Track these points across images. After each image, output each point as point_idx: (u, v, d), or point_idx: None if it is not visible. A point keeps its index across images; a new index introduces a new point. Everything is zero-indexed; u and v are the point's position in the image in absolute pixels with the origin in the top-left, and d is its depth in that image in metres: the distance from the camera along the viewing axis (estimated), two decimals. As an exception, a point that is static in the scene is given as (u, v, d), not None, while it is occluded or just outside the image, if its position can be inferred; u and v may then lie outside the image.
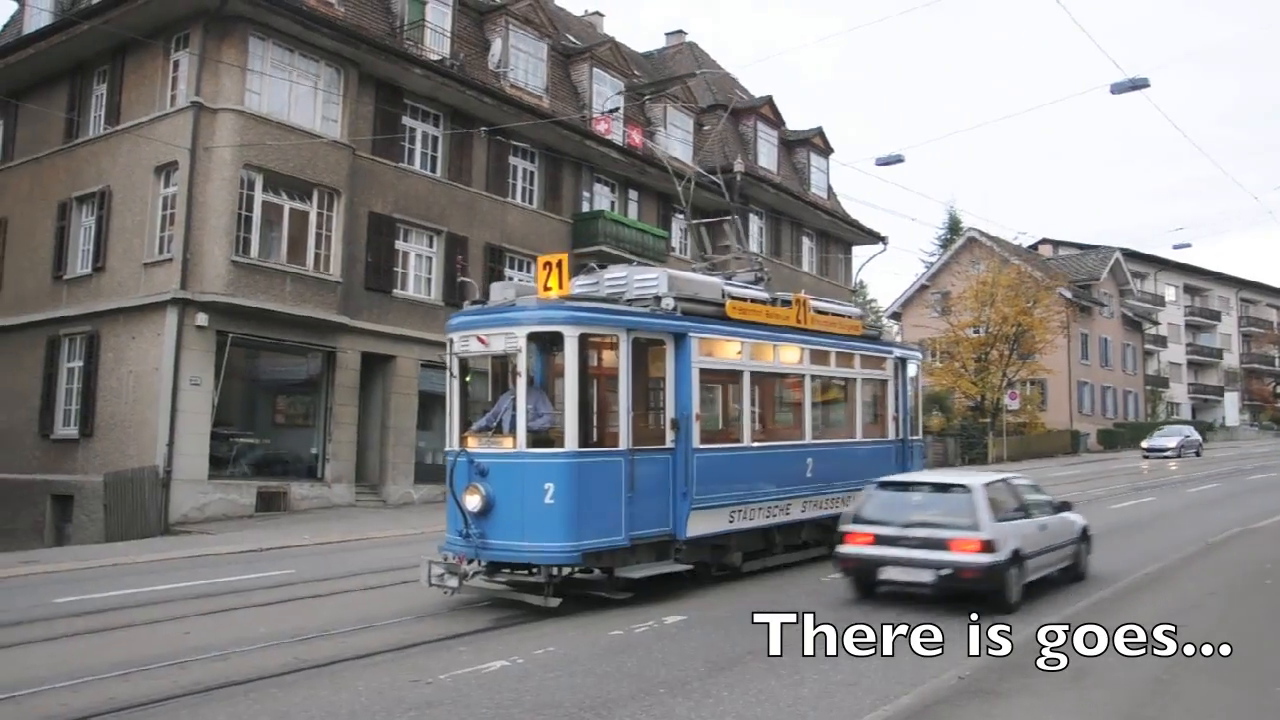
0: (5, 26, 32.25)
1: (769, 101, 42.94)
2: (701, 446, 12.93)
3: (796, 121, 47.10)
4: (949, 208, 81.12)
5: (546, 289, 12.36)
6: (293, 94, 25.12)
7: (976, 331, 55.70)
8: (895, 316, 74.26)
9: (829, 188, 46.95)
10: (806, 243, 45.84)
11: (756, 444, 14.40)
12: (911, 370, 18.28)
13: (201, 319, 23.11)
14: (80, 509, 24.39)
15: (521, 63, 32.05)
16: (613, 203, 35.78)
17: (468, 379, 12.62)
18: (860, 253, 50.07)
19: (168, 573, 15.76)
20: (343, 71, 26.15)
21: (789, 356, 15.16)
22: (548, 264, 12.54)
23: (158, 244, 24.25)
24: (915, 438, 18.34)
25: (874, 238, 48.56)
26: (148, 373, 23.53)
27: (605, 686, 8.51)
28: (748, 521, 13.85)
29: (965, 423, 54.61)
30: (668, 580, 12.70)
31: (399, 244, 28.30)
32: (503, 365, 12.64)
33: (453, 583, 11.53)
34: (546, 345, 13.00)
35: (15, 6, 31.50)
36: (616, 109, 34.98)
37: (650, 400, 13.50)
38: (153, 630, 11.35)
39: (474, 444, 11.91)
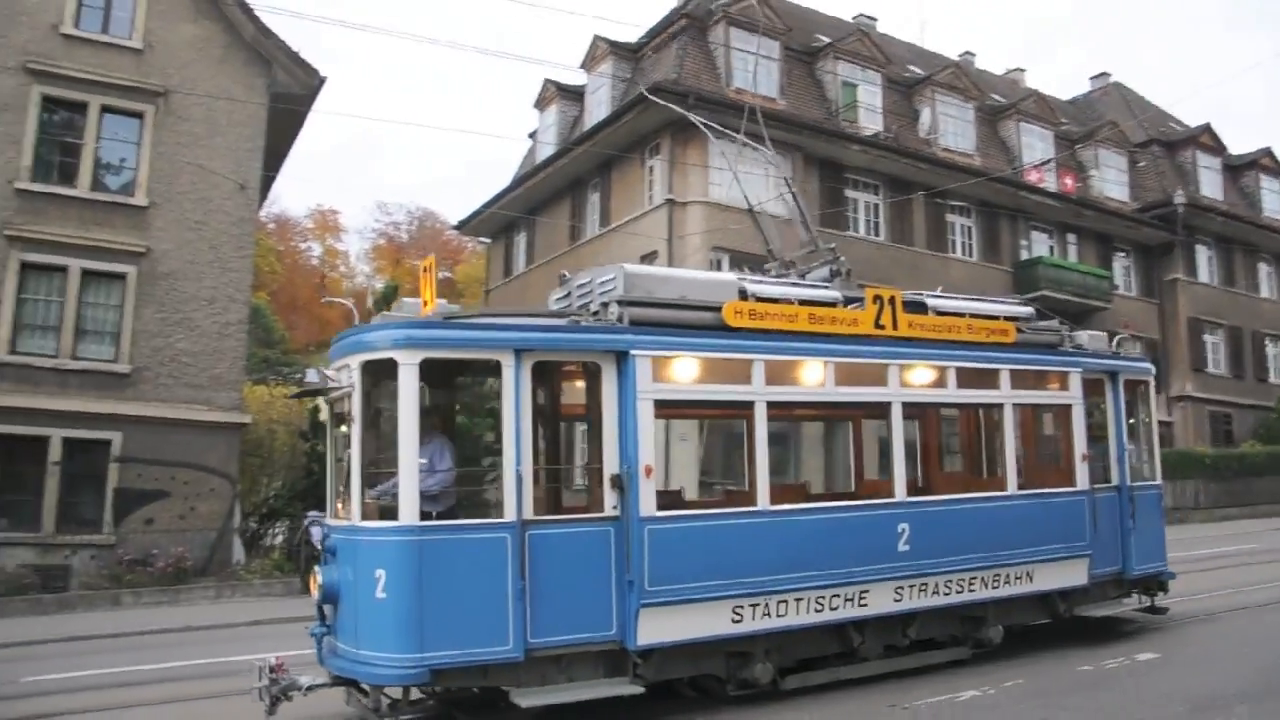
0: (523, 160, 36.20)
1: (1207, 129, 38.55)
2: (661, 514, 8.22)
3: (1239, 145, 41.90)
4: None
5: (425, 304, 8.46)
6: (747, 181, 25.93)
7: None
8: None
9: (1285, 208, 41.25)
10: (1264, 268, 40.27)
11: (784, 506, 9.08)
12: (1130, 390, 11.99)
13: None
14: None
15: (950, 127, 31.18)
16: (1051, 248, 33.58)
17: (343, 428, 8.35)
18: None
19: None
20: (789, 156, 26.69)
21: (857, 377, 9.65)
22: (426, 268, 8.61)
23: (645, 323, 25.75)
24: (1143, 483, 11.93)
25: (1342, 255, 41.88)
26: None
27: (1078, 722, 7.71)
28: (776, 619, 8.64)
29: None
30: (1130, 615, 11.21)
31: (849, 305, 28.21)
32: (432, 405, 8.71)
33: (266, 701, 7.71)
34: (466, 375, 9.00)
35: (530, 143, 35.25)
36: (1048, 161, 33.01)
37: (576, 450, 9.21)
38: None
39: (341, 513, 8.28)
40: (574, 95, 31.68)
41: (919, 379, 10.13)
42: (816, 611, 8.89)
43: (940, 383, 10.19)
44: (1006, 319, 10.70)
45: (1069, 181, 33.78)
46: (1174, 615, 12.02)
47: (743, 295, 9.10)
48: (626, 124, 26.04)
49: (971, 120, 31.86)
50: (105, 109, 20.64)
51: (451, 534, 7.66)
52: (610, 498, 8.06)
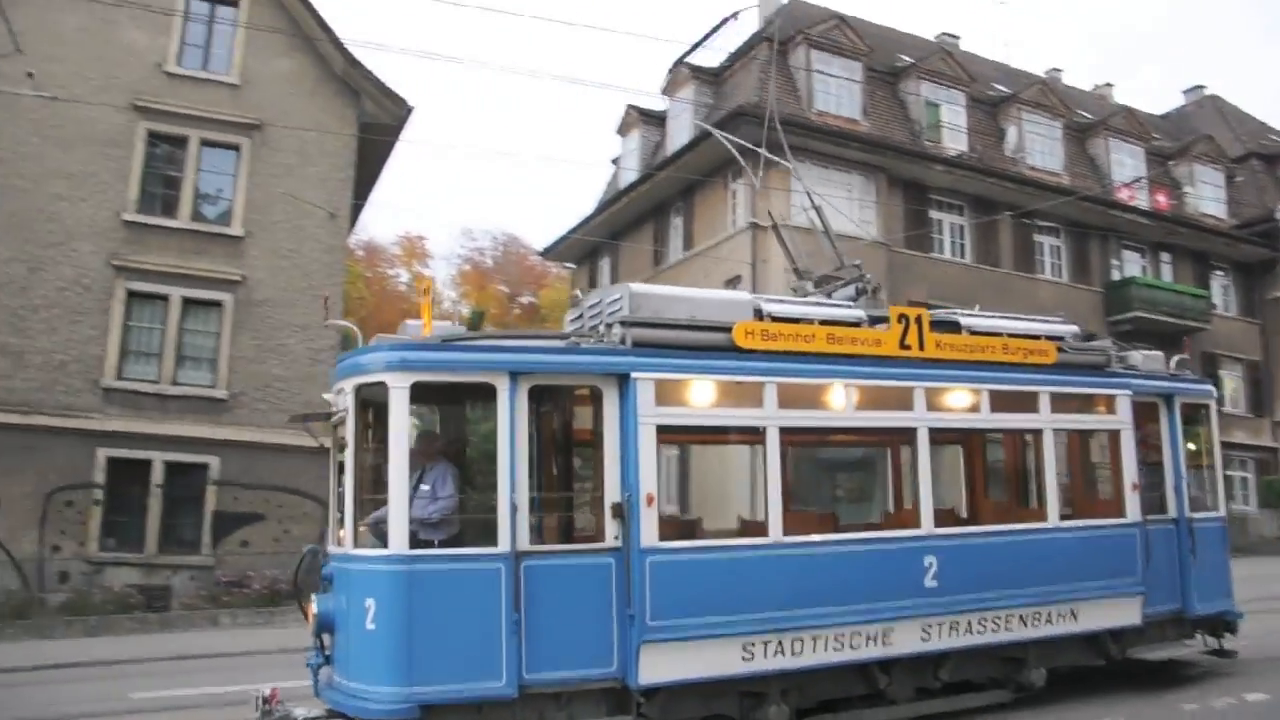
0: (606, 186, 36.42)
1: (1308, 142, 37.17)
2: (665, 545, 7.76)
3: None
4: None
5: (425, 326, 8.12)
6: (830, 204, 25.72)
7: None
8: None
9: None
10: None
11: (798, 538, 8.45)
12: (1188, 414, 10.97)
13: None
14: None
15: (1037, 145, 30.54)
16: (1144, 268, 32.62)
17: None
18: None
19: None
20: (872, 178, 26.46)
21: (880, 401, 9.18)
22: (425, 290, 8.52)
23: (728, 346, 25.66)
24: (1205, 514, 10.88)
25: None
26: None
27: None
28: (791, 657, 8.07)
29: None
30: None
31: (934, 327, 27.78)
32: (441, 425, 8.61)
33: None
34: (452, 398, 8.57)
35: (613, 169, 35.45)
36: (1139, 179, 32.10)
37: (576, 477, 8.84)
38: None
39: (343, 540, 7.93)
40: (656, 120, 31.77)
41: (948, 403, 9.54)
42: (836, 650, 8.28)
43: (972, 407, 9.58)
44: (1049, 338, 9.98)
45: (1162, 199, 32.77)
46: (1275, 655, 11.34)
47: (758, 315, 8.63)
48: (709, 148, 25.97)
49: (1059, 138, 31.17)
50: (204, 142, 21.36)
51: (442, 564, 7.39)
52: (611, 527, 7.65)
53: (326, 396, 8.19)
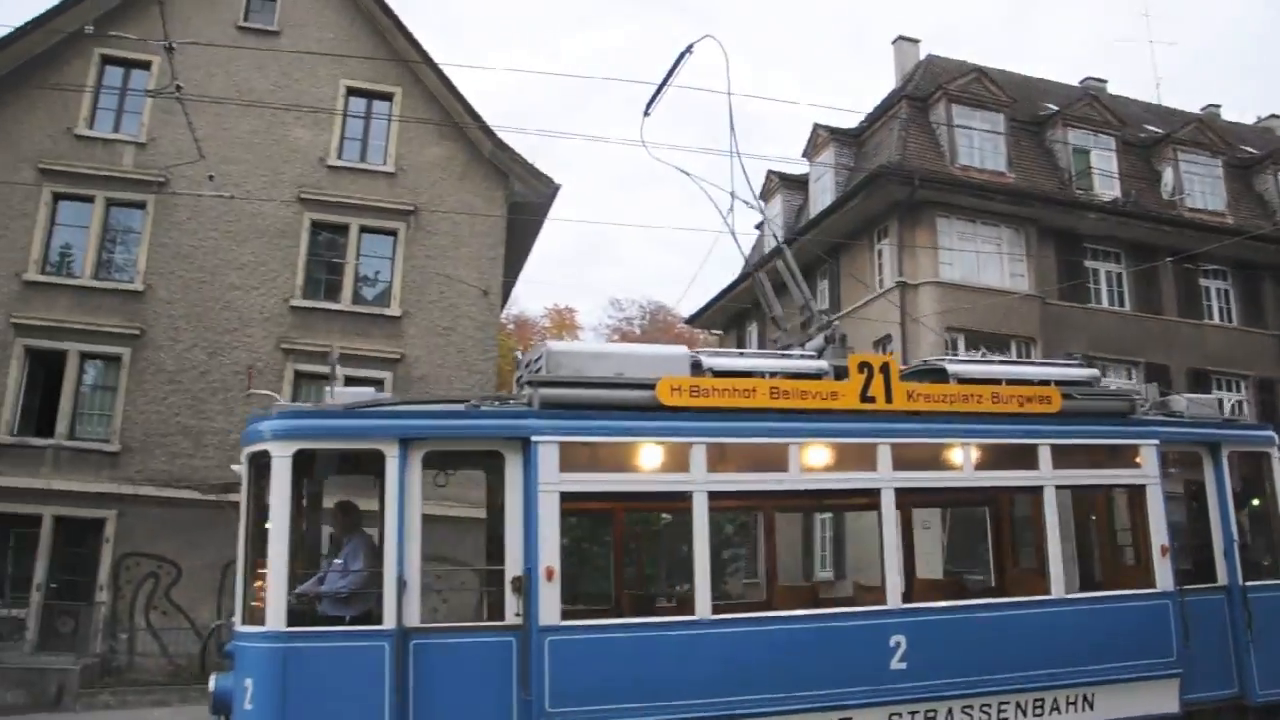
0: (750, 250, 36.43)
1: None
2: (567, 624, 7.12)
3: None
4: None
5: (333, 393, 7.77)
6: (979, 259, 25.00)
7: None
8: None
9: None
10: None
11: (730, 615, 7.88)
12: (1242, 466, 9.59)
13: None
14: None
15: (1196, 185, 28.89)
16: (1325, 307, 30.39)
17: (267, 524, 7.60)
18: None
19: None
20: (1022, 230, 25.54)
21: (836, 460, 8.33)
22: (335, 357, 8.25)
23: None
24: (1266, 582, 9.30)
25: None
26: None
27: None
28: None
29: None
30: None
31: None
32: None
33: None
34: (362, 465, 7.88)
35: (756, 234, 35.39)
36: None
37: (474, 549, 8.13)
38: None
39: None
40: (797, 184, 31.63)
41: (921, 460, 8.60)
42: None
43: (951, 464, 8.60)
44: (1058, 383, 8.90)
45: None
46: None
47: (697, 369, 7.98)
48: (852, 209, 25.71)
49: (1220, 176, 29.43)
50: (364, 229, 22.40)
51: (321, 641, 6.95)
52: (512, 604, 7.06)
53: (234, 467, 7.90)
